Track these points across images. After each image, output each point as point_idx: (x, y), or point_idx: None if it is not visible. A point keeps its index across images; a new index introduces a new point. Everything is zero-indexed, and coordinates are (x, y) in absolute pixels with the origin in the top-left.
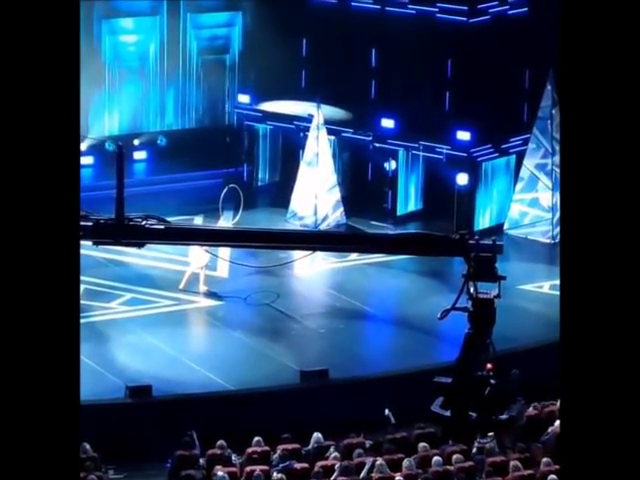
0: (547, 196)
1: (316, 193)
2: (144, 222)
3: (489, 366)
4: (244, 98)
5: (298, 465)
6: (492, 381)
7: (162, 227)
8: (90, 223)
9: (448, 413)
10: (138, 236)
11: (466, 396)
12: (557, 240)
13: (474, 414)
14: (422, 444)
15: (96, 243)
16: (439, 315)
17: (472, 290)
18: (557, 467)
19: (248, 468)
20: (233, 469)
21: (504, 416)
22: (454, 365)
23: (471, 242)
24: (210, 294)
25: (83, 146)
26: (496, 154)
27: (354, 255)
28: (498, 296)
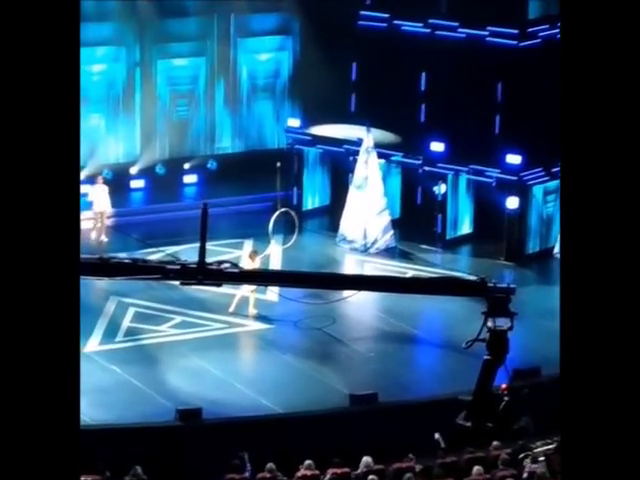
0: None
1: (365, 217)
2: (221, 266)
3: (503, 386)
4: (294, 122)
5: None
6: (505, 398)
7: (237, 270)
8: (178, 267)
9: (469, 424)
10: (218, 278)
11: (484, 410)
12: None
13: (490, 424)
14: (477, 467)
15: (182, 283)
16: (464, 345)
17: (490, 324)
18: None
19: None
20: None
21: (515, 426)
22: (475, 385)
23: (489, 285)
24: (260, 317)
25: (134, 170)
26: (547, 177)
27: None
28: (511, 328)
